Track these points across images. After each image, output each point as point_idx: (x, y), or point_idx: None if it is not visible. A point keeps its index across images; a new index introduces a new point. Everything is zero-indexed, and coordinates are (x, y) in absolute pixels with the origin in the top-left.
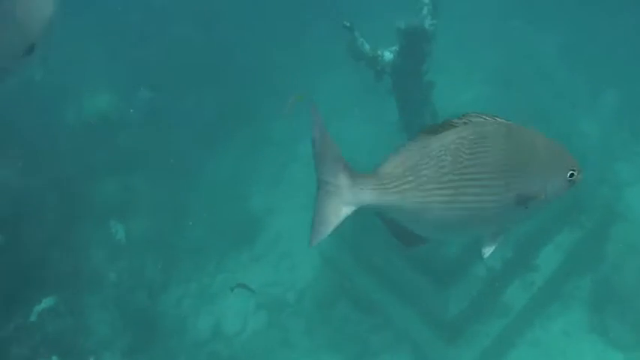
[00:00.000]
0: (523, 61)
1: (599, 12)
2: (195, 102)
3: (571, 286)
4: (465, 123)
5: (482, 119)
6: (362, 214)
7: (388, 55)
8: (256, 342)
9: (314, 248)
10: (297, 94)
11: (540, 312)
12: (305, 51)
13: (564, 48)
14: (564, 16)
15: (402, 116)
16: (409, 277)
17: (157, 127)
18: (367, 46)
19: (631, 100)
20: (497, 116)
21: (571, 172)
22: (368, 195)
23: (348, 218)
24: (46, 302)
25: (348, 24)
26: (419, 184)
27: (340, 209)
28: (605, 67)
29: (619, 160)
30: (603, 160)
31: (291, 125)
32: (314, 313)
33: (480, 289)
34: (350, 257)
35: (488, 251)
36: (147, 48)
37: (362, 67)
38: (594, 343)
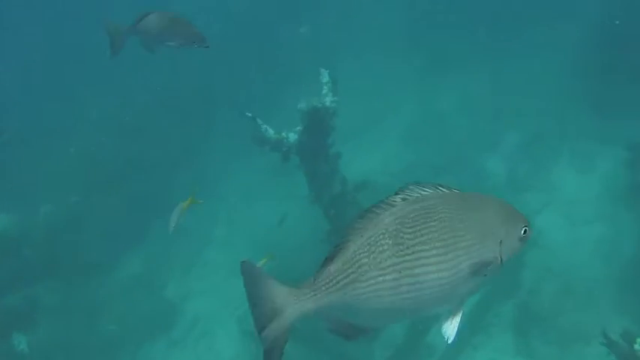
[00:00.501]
0: (426, 117)
1: (491, 61)
2: (102, 201)
3: (492, 315)
4: (403, 199)
5: (421, 192)
6: None
7: (293, 136)
8: None
9: (232, 323)
10: (182, 205)
11: (466, 344)
12: (213, 142)
13: (461, 105)
14: (461, 69)
15: (311, 189)
16: (332, 336)
17: (64, 232)
18: (271, 131)
19: (530, 135)
20: (439, 185)
21: (524, 228)
22: (310, 303)
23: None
24: None
25: (249, 114)
26: (359, 275)
27: (284, 329)
28: (503, 111)
29: (526, 191)
30: (513, 194)
31: (203, 213)
32: None
33: (404, 334)
34: None
35: (451, 333)
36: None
37: (267, 152)
38: None
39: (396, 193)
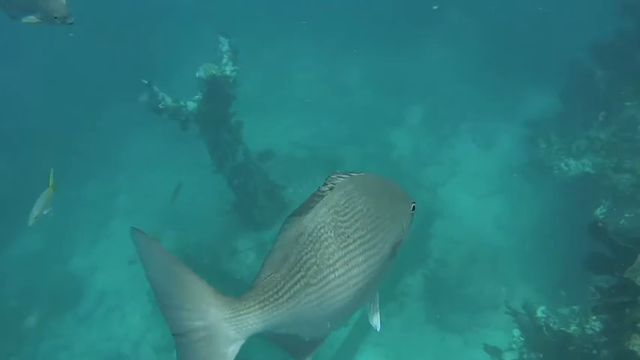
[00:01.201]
0: (331, 90)
1: (391, 49)
2: None
3: (403, 285)
4: (330, 188)
5: (343, 177)
6: None
7: (192, 105)
8: None
9: (143, 296)
10: (45, 194)
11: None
12: (111, 111)
13: (366, 80)
14: (361, 57)
15: (214, 158)
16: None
17: None
18: (169, 99)
19: (434, 111)
20: (356, 171)
21: (413, 205)
22: (256, 317)
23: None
24: None
25: (145, 81)
26: (310, 278)
27: (226, 352)
28: (407, 89)
29: (429, 164)
30: (417, 167)
31: (104, 184)
32: None
33: None
34: None
35: (377, 321)
36: None
37: (166, 120)
38: (433, 333)
39: (324, 184)
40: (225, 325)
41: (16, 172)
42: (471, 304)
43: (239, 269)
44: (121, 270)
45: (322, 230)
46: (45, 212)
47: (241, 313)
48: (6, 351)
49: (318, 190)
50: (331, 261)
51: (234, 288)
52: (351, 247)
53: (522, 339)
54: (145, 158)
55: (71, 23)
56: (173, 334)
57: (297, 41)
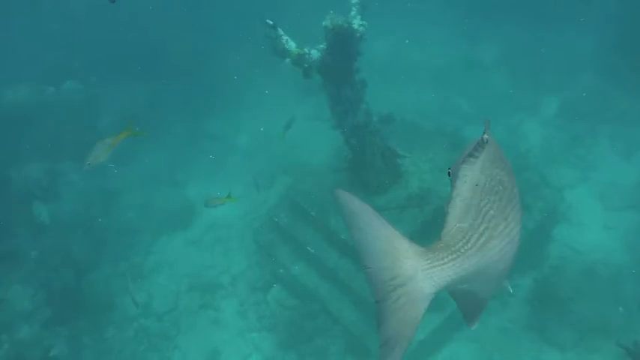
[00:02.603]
0: (463, 66)
1: (532, 26)
2: (128, 95)
3: (511, 285)
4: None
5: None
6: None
7: (316, 53)
8: (188, 320)
9: (249, 235)
10: (108, 140)
11: None
12: (236, 52)
13: (505, 55)
14: (501, 30)
15: (333, 114)
16: (345, 268)
17: (87, 115)
18: (293, 44)
19: (571, 106)
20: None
21: None
22: (449, 269)
23: None
24: None
25: (271, 22)
26: (492, 230)
27: (420, 309)
28: (545, 76)
29: (560, 162)
30: (545, 163)
31: (229, 121)
32: (247, 297)
33: None
34: (285, 246)
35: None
36: (79, 45)
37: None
38: (532, 342)
39: (483, 134)
40: (421, 278)
41: (147, 96)
42: (580, 322)
43: (345, 229)
44: (233, 205)
45: (492, 183)
46: (101, 161)
47: (435, 264)
48: (117, 256)
49: (481, 140)
50: (504, 214)
51: (336, 246)
52: (514, 201)
53: None
54: (270, 102)
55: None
56: (375, 301)
57: (431, 8)
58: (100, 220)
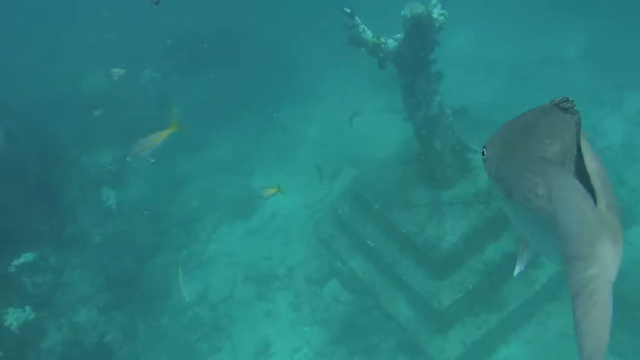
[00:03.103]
0: (544, 58)
1: (626, 12)
2: (202, 85)
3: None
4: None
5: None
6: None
7: (392, 43)
8: (241, 310)
9: (309, 227)
10: (156, 136)
11: (539, 309)
12: (309, 41)
13: (590, 48)
14: (589, 16)
15: (406, 105)
16: (403, 263)
17: (160, 104)
18: (369, 33)
19: None
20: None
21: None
22: (620, 249)
23: None
24: (26, 257)
25: (348, 10)
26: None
27: (609, 297)
28: (633, 70)
29: None
30: (625, 161)
31: (300, 111)
32: (302, 289)
33: (477, 282)
34: (345, 239)
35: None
36: (155, 36)
37: (364, 55)
38: None
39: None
40: (610, 260)
41: (221, 86)
42: None
43: (406, 223)
44: (298, 196)
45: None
46: (142, 156)
47: (619, 243)
48: (178, 244)
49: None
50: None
51: (397, 241)
52: None
53: None
54: (343, 93)
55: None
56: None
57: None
58: (163, 206)
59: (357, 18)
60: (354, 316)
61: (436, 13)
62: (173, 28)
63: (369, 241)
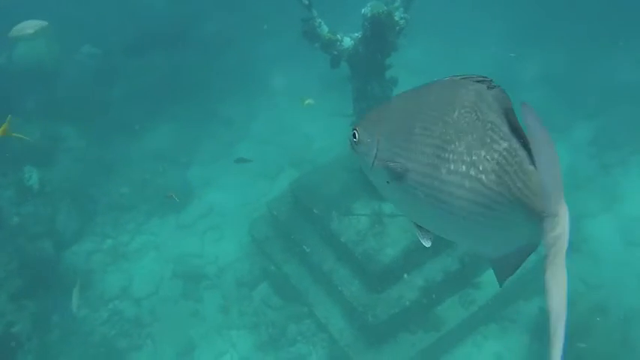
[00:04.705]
0: (502, 80)
1: (581, 46)
2: (147, 66)
3: (512, 311)
4: None
5: None
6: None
7: (348, 41)
8: (166, 308)
9: (244, 226)
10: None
11: (475, 330)
12: (270, 33)
13: (543, 75)
14: (544, 47)
15: (356, 108)
16: (340, 273)
17: (97, 82)
18: (325, 28)
19: (605, 133)
20: None
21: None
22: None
23: None
24: None
25: (306, 2)
26: None
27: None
28: (583, 99)
29: (583, 190)
30: (567, 188)
31: (244, 105)
32: (232, 291)
33: (415, 298)
34: (280, 242)
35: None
36: (102, 12)
37: (316, 50)
38: None
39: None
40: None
41: (167, 72)
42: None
43: (345, 231)
44: (233, 193)
45: None
46: None
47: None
48: (104, 232)
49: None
50: None
51: (334, 249)
52: None
53: None
54: (292, 90)
55: None
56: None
57: (482, 19)
58: (90, 191)
59: (314, 11)
60: (284, 324)
61: (398, 15)
62: (125, 3)
63: (304, 247)
